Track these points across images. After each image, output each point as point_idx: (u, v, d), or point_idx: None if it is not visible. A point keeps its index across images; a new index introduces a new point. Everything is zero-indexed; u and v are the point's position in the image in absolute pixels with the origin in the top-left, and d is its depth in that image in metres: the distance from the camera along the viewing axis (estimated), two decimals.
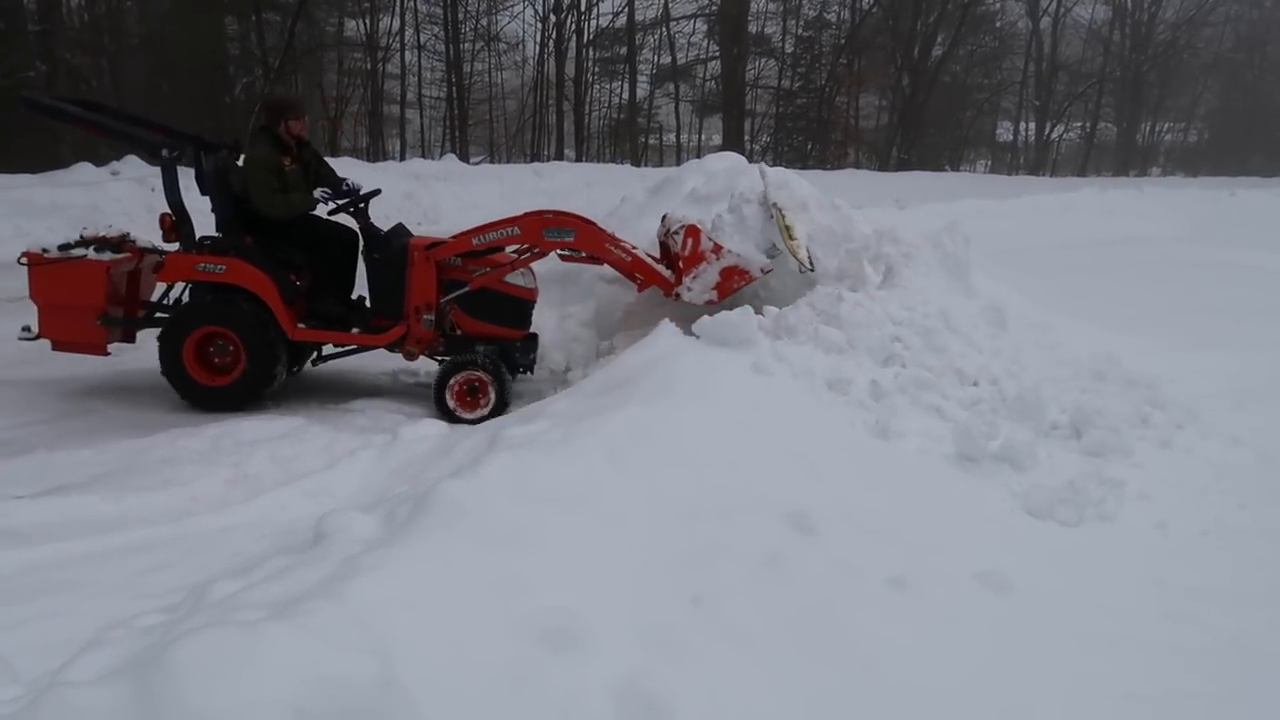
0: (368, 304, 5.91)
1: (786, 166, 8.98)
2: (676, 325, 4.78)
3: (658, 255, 6.06)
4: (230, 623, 2.15)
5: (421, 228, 13.40)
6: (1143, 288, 9.15)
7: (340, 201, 5.79)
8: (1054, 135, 40.59)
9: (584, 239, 5.64)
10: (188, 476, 4.10)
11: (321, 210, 5.86)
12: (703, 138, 37.45)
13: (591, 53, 32.08)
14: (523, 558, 2.65)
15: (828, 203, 6.62)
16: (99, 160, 13.39)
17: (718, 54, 33.34)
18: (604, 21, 31.98)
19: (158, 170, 5.46)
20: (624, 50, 32.74)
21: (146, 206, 10.96)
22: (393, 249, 5.70)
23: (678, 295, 5.60)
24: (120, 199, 11.53)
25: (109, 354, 5.68)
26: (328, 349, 6.09)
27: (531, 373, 6.05)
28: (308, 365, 6.21)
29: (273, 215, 5.54)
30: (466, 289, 5.66)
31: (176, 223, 5.51)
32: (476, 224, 5.80)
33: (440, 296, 5.67)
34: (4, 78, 14.30)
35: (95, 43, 19.71)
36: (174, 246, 5.61)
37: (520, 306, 5.89)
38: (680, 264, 5.57)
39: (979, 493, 3.84)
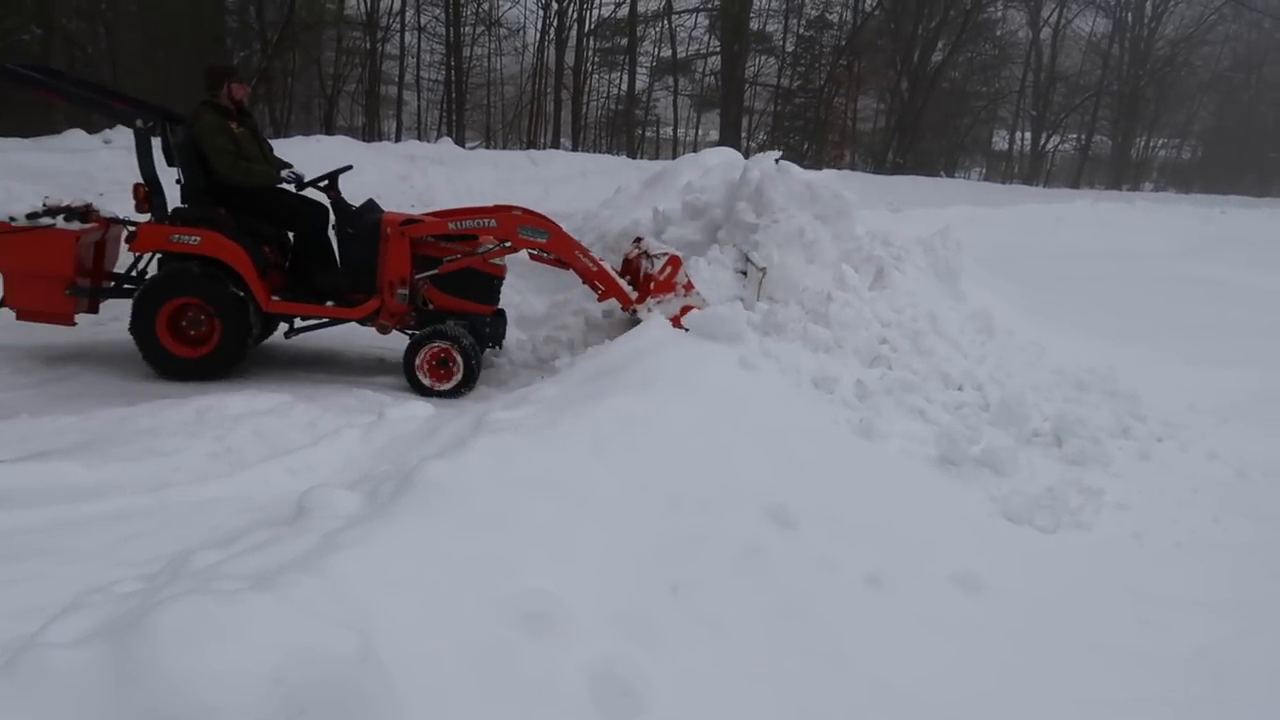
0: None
1: None
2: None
3: (619, 269, 6.22)
4: (210, 591, 2.15)
5: (415, 209, 13.47)
6: (1131, 301, 9.21)
7: (312, 177, 5.74)
8: (1049, 146, 40.72)
9: (556, 243, 5.76)
10: (170, 448, 4.08)
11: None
12: (700, 133, 37.43)
13: (592, 42, 31.99)
14: (504, 540, 2.67)
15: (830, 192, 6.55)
16: (92, 128, 13.29)
17: (718, 49, 33.30)
18: (606, 11, 31.87)
19: None
20: (624, 41, 32.65)
21: (136, 175, 10.86)
22: (365, 223, 5.69)
23: (634, 311, 5.73)
24: (110, 167, 11.42)
25: (75, 324, 5.62)
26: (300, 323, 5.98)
27: (500, 346, 6.15)
28: (284, 340, 6.09)
29: (234, 180, 5.51)
30: (455, 260, 5.72)
31: (149, 193, 5.47)
32: (453, 207, 5.89)
33: (413, 271, 5.68)
34: None
35: (92, 9, 19.49)
36: (145, 217, 5.56)
37: (491, 283, 5.98)
38: (651, 285, 5.66)
39: (958, 496, 3.88)
